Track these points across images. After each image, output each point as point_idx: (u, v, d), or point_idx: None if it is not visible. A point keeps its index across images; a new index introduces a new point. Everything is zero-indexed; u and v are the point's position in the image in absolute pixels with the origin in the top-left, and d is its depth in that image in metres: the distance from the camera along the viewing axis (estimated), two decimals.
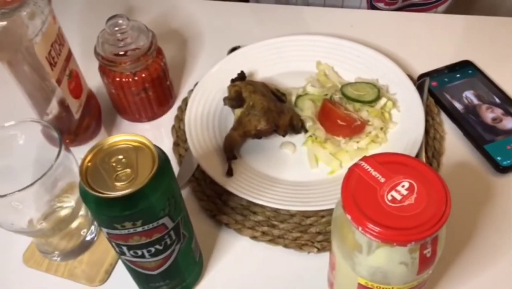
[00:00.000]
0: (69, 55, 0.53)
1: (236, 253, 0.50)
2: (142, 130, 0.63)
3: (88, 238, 0.51)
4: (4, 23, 0.44)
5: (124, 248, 0.38)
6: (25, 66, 0.48)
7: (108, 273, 0.49)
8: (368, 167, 0.34)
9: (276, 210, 0.52)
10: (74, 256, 0.51)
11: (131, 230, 0.36)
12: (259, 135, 0.55)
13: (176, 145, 0.60)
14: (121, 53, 0.57)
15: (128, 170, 0.35)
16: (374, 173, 0.34)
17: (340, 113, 0.55)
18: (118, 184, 0.34)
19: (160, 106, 0.63)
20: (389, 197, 0.33)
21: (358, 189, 0.33)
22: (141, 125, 0.63)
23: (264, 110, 0.55)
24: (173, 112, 0.64)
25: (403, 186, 0.33)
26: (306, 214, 0.52)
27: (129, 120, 0.64)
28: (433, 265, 0.35)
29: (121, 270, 0.49)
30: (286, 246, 0.50)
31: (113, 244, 0.38)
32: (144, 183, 0.34)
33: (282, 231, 0.51)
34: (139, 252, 0.38)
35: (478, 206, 0.52)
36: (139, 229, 0.36)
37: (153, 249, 0.39)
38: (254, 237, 0.50)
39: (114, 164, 0.35)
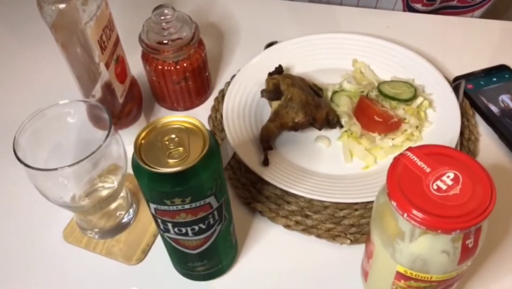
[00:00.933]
0: (117, 40, 0.55)
1: (270, 241, 0.51)
2: None
3: (125, 219, 0.53)
4: (63, 5, 0.46)
5: (169, 225, 0.40)
6: (78, 48, 0.50)
7: (145, 252, 0.51)
8: (413, 157, 0.35)
9: (309, 201, 0.53)
10: (112, 235, 0.52)
11: (179, 207, 0.37)
12: (296, 127, 0.56)
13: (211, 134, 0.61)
14: (165, 41, 0.59)
15: (181, 149, 0.36)
16: (419, 163, 0.35)
17: (377, 110, 0.56)
18: (170, 161, 0.36)
19: (198, 96, 0.64)
20: (435, 187, 0.33)
21: (403, 178, 0.34)
22: (178, 114, 0.65)
23: (302, 103, 0.56)
24: (209, 102, 0.66)
25: (448, 177, 0.34)
26: (339, 207, 0.52)
27: (166, 108, 0.66)
28: (473, 257, 0.35)
29: (157, 250, 0.51)
30: (319, 236, 0.50)
31: (159, 220, 0.40)
32: (196, 161, 0.35)
33: (315, 221, 0.51)
34: (183, 230, 0.40)
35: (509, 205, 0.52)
36: (187, 206, 0.37)
37: (196, 228, 0.40)
38: (287, 226, 0.51)
39: (167, 142, 0.37)
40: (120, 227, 0.53)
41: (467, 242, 0.33)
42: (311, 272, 0.49)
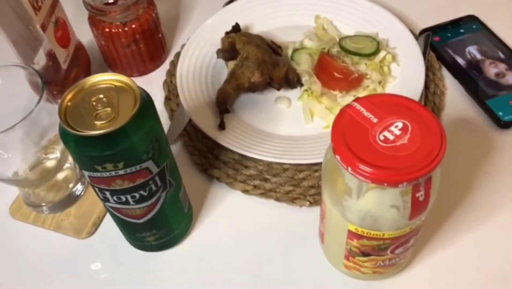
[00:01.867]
0: (55, 2, 0.51)
1: (227, 207, 0.49)
2: None
3: (75, 191, 0.50)
4: None
5: (107, 193, 0.37)
6: (8, 9, 0.46)
7: (96, 225, 0.48)
8: (360, 107, 0.33)
9: (268, 165, 0.51)
10: (61, 208, 0.50)
11: (113, 173, 0.34)
12: (253, 88, 0.53)
13: (167, 99, 0.58)
14: (110, 1, 0.55)
15: (109, 109, 0.33)
16: (366, 113, 0.32)
17: (337, 66, 0.53)
18: (98, 122, 0.33)
19: (151, 60, 0.61)
20: (381, 137, 0.31)
21: (348, 130, 0.32)
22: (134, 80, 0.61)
23: (258, 61, 0.53)
24: (165, 67, 0.63)
25: (396, 126, 0.31)
26: (299, 169, 0.50)
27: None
28: (426, 211, 0.33)
29: (108, 223, 0.48)
30: (278, 199, 0.48)
31: (96, 189, 0.37)
32: (125, 122, 0.32)
33: (274, 184, 0.49)
34: (123, 198, 0.37)
35: (477, 161, 0.50)
36: (121, 172, 0.35)
37: (137, 195, 0.37)
38: (245, 191, 0.49)
39: (94, 103, 0.34)
40: (71, 200, 0.50)
41: (417, 195, 0.31)
42: (270, 236, 0.47)
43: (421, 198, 0.31)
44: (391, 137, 0.31)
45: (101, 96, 0.34)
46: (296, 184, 0.49)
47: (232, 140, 0.51)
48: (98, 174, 0.35)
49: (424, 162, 0.30)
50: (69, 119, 0.33)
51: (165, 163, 0.38)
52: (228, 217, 0.49)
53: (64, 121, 0.33)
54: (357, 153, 0.30)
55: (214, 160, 0.52)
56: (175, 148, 0.54)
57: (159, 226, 0.42)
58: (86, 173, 0.36)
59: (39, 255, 0.47)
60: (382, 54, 0.55)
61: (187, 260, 0.46)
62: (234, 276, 0.44)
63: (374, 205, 0.32)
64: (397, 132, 0.31)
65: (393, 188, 0.30)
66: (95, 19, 0.56)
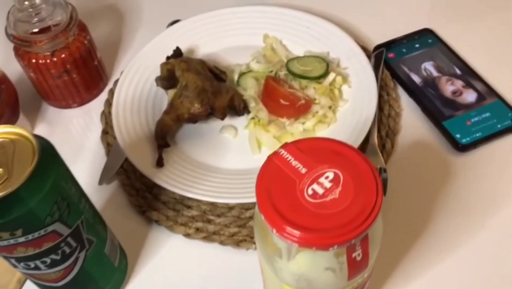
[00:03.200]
0: None
1: (167, 253, 0.45)
2: (69, 116, 0.56)
3: None
4: None
5: (13, 260, 0.32)
6: None
7: (21, 282, 0.44)
8: (288, 155, 0.29)
9: (212, 203, 0.47)
10: None
11: (11, 241, 0.30)
12: (193, 119, 0.49)
13: (104, 133, 0.53)
14: (35, 30, 0.50)
15: (0, 170, 0.29)
16: (294, 162, 0.28)
17: (283, 92, 0.49)
18: None
19: (87, 90, 0.56)
20: (310, 192, 0.27)
21: (274, 183, 0.28)
22: (70, 111, 0.57)
23: (197, 90, 0.49)
24: (106, 95, 0.58)
25: (326, 178, 0.28)
26: (245, 206, 0.46)
27: (55, 106, 0.57)
28: (367, 268, 0.30)
29: None
30: (222, 243, 0.44)
31: (1, 255, 0.33)
32: (17, 185, 0.28)
33: (218, 226, 0.45)
34: (31, 264, 0.33)
35: (435, 189, 0.47)
36: (21, 239, 0.30)
37: (48, 260, 0.33)
38: (187, 235, 0.45)
39: None
40: None
41: (354, 255, 0.27)
42: (214, 284, 0.43)
43: (358, 258, 0.28)
44: (320, 191, 0.27)
45: None
46: (242, 225, 0.45)
47: (171, 179, 0.46)
48: None
49: (357, 221, 0.26)
50: None
51: (80, 220, 0.33)
52: (168, 264, 0.44)
53: None
54: (283, 212, 0.27)
55: (153, 201, 0.47)
56: (111, 188, 0.49)
57: (83, 286, 0.38)
58: None
59: None
60: (331, 76, 0.52)
61: None
62: None
63: (307, 268, 0.28)
64: (327, 185, 0.27)
65: (324, 251, 0.27)
66: (20, 49, 0.52)
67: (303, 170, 0.28)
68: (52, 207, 0.30)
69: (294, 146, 0.29)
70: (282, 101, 0.49)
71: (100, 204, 0.48)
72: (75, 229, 0.33)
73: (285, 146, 0.30)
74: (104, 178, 0.49)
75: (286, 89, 0.50)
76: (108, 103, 0.56)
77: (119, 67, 0.61)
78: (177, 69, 0.51)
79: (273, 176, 0.28)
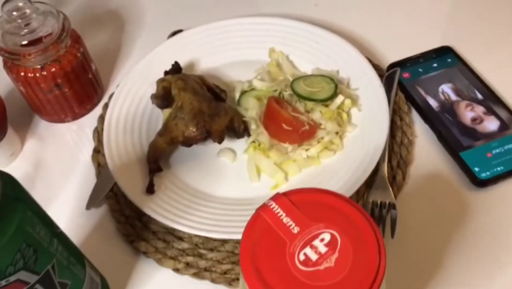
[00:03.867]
0: None
1: (155, 288, 0.42)
2: (61, 132, 0.53)
3: None
4: None
5: None
6: None
7: None
8: (279, 210, 0.25)
9: (205, 236, 0.43)
10: None
11: None
12: (188, 142, 0.46)
13: (96, 152, 0.50)
14: (25, 42, 0.47)
15: None
16: (286, 219, 0.25)
17: (285, 116, 0.46)
18: None
19: (81, 105, 0.53)
20: (301, 257, 0.24)
21: (262, 244, 0.24)
22: (62, 126, 0.54)
23: (193, 112, 0.45)
24: (100, 109, 0.55)
25: (322, 240, 0.24)
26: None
27: (47, 120, 0.54)
28: None
29: None
30: (214, 281, 0.41)
31: None
32: None
33: (210, 262, 0.42)
34: None
35: (450, 228, 0.43)
36: None
37: None
38: (176, 269, 0.42)
39: None
40: None
41: None
42: None
43: None
44: (313, 257, 0.23)
45: None
46: (236, 261, 0.42)
47: (161, 208, 0.43)
48: None
49: None
50: None
51: (50, 265, 0.30)
52: None
53: None
54: (269, 282, 0.23)
55: (142, 230, 0.44)
56: (99, 212, 0.46)
57: None
58: None
59: None
60: (340, 99, 0.48)
61: None
62: None
63: None
64: (322, 249, 0.24)
65: None
66: (9, 62, 0.49)
67: (296, 230, 0.24)
68: (14, 256, 0.27)
69: (287, 199, 0.26)
70: (284, 126, 0.45)
71: (86, 230, 0.45)
72: (45, 274, 0.30)
73: (276, 197, 0.26)
74: (92, 203, 0.46)
75: (289, 112, 0.46)
76: (102, 119, 0.53)
77: (116, 79, 0.58)
78: (174, 88, 0.47)
79: (261, 235, 0.25)
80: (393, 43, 0.57)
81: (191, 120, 0.45)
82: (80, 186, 0.49)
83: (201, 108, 0.45)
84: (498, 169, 0.45)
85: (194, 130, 0.45)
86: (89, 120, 0.55)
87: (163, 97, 0.48)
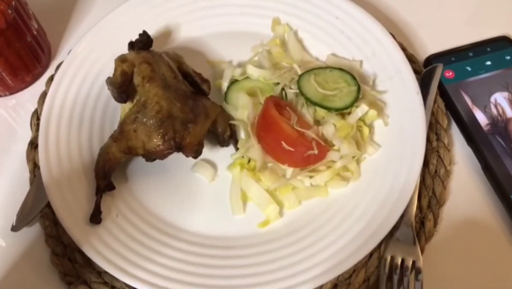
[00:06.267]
0: None
1: None
2: None
3: None
4: None
5: None
6: None
7: None
8: None
9: None
10: None
11: None
12: (150, 156, 0.33)
13: (33, 147, 0.38)
14: None
15: None
16: None
17: (287, 130, 0.33)
18: None
19: (16, 76, 0.40)
20: None
21: None
22: None
23: (160, 116, 0.33)
24: (43, 84, 0.42)
25: None
26: None
27: None
28: None
29: None
30: None
31: None
32: None
33: None
34: None
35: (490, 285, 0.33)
36: None
37: None
38: None
39: None
40: None
41: None
42: None
43: None
44: None
45: None
46: None
47: (109, 247, 0.32)
48: None
49: None
50: None
51: None
52: None
53: None
54: None
55: (83, 267, 0.33)
56: (31, 234, 0.35)
57: None
58: None
59: None
60: (362, 109, 0.35)
61: None
62: None
63: None
64: None
65: None
66: None
67: None
68: None
69: None
70: (284, 145, 0.33)
71: (10, 256, 0.34)
72: None
73: None
74: (21, 223, 0.35)
75: (292, 126, 0.33)
76: (43, 98, 0.40)
77: (69, 42, 0.44)
78: (137, 74, 0.34)
79: None
80: (436, 27, 0.43)
81: (156, 129, 0.32)
82: (8, 193, 0.37)
83: (171, 111, 0.33)
84: None
85: (160, 143, 0.32)
86: (32, 96, 0.42)
87: (121, 87, 0.34)
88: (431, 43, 0.42)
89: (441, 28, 0.43)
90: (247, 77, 0.38)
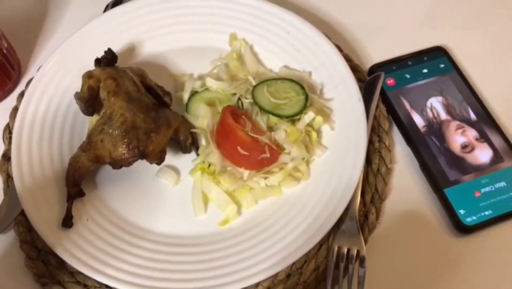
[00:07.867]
0: None
1: None
2: None
3: None
4: None
5: None
6: None
7: None
8: None
9: None
10: None
11: None
12: (116, 164, 0.36)
13: (5, 159, 0.40)
14: None
15: None
16: None
17: (242, 137, 0.37)
18: None
19: None
20: None
21: None
22: None
23: (125, 127, 0.36)
24: (15, 99, 0.44)
25: None
26: None
27: None
28: None
29: None
30: None
31: None
32: None
33: None
34: None
35: (428, 280, 0.36)
36: None
37: None
38: None
39: None
40: None
41: None
42: None
43: None
44: None
45: None
46: None
47: (80, 249, 0.35)
48: None
49: None
50: None
51: None
52: None
53: None
54: None
55: (57, 269, 0.36)
56: (5, 240, 0.37)
57: None
58: None
59: None
60: (309, 116, 0.39)
61: None
62: None
63: None
64: None
65: None
66: None
67: None
68: None
69: None
70: (240, 150, 0.37)
71: None
72: None
73: None
74: None
75: (247, 133, 0.37)
76: (15, 113, 0.42)
77: (39, 59, 0.47)
78: (102, 89, 0.37)
79: None
80: (379, 38, 0.48)
81: (121, 138, 0.35)
82: None
83: (134, 122, 0.36)
84: (486, 213, 0.38)
85: (125, 152, 0.35)
86: (3, 111, 0.44)
87: (88, 101, 0.37)
88: (375, 54, 0.47)
89: (384, 40, 0.48)
90: (207, 89, 0.42)
